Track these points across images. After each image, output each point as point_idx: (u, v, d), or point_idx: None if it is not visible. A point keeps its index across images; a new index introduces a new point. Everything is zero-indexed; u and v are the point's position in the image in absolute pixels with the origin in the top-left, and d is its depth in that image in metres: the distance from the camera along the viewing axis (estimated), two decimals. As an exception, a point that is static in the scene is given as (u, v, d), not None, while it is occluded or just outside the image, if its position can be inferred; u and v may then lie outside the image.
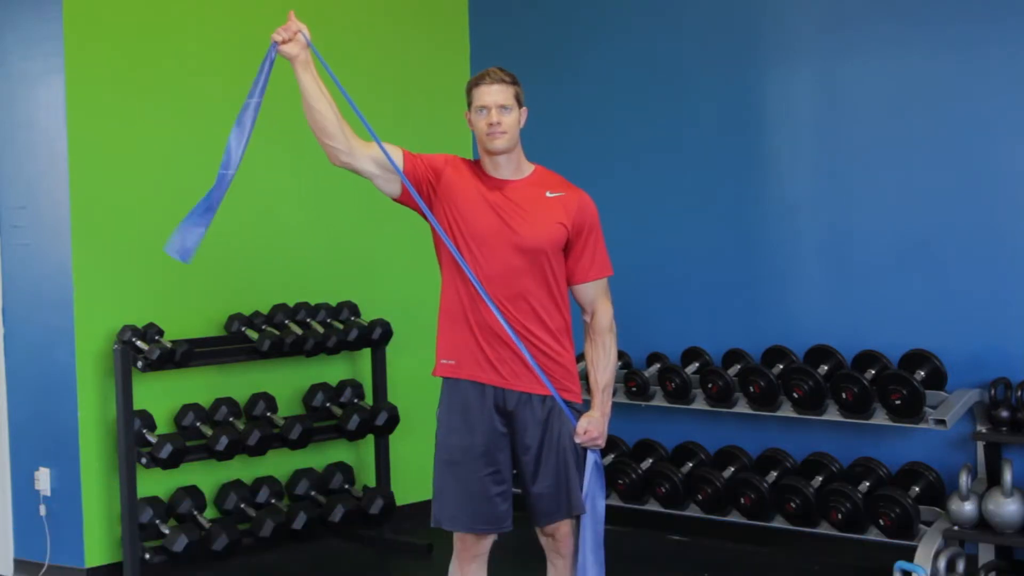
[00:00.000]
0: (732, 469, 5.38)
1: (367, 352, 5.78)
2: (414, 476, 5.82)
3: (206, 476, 5.28)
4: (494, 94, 3.35)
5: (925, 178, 5.01)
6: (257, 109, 3.39)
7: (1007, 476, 4.45)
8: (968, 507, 4.54)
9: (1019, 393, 4.61)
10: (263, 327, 5.34)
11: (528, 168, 3.47)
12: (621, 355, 5.74)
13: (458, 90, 6.25)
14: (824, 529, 5.05)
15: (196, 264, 5.31)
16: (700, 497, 5.37)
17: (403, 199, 3.43)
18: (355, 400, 5.64)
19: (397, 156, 3.40)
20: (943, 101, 4.97)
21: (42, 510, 5.12)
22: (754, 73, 5.51)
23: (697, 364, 5.53)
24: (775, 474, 5.23)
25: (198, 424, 5.17)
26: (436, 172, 3.41)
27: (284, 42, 3.34)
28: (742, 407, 5.26)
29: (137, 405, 5.00)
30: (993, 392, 4.63)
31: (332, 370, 5.74)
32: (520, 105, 3.41)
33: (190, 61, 5.37)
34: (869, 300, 5.17)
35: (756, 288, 5.51)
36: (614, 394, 5.48)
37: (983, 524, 4.55)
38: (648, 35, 5.85)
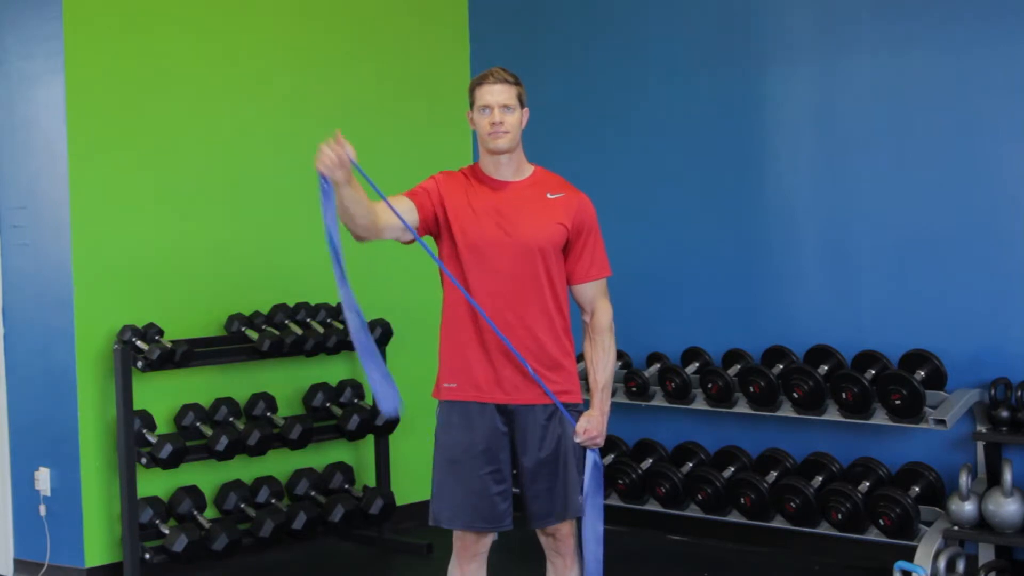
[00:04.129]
0: (732, 469, 5.38)
1: (367, 352, 5.77)
2: (414, 476, 5.82)
3: (206, 476, 5.28)
4: (497, 94, 3.36)
5: (925, 178, 5.01)
6: (339, 241, 3.22)
7: (1007, 476, 4.46)
8: (968, 507, 4.55)
9: (1019, 393, 4.61)
10: (263, 327, 5.34)
11: (528, 169, 3.47)
12: (621, 355, 5.75)
13: (458, 90, 6.25)
14: (824, 529, 5.05)
15: (196, 264, 5.35)
16: (700, 497, 5.37)
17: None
18: (355, 400, 5.64)
19: (412, 215, 3.35)
20: (943, 101, 4.97)
21: (42, 510, 5.12)
22: (754, 73, 5.51)
23: (697, 364, 5.53)
24: (775, 474, 5.23)
25: (198, 424, 5.17)
26: (438, 200, 3.40)
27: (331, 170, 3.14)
28: (742, 407, 5.26)
29: (137, 405, 5.00)
30: (993, 392, 4.64)
31: (332, 370, 5.74)
32: (522, 106, 3.41)
33: (190, 61, 5.37)
34: (869, 300, 5.17)
35: (756, 288, 5.51)
36: (614, 394, 5.55)
37: (983, 524, 4.55)
38: (648, 35, 5.85)
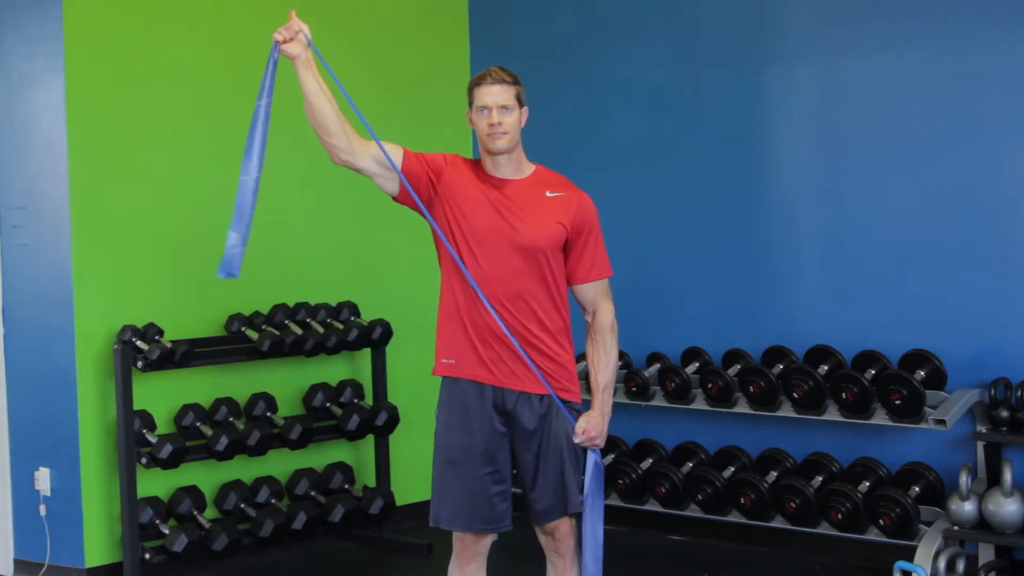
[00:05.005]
0: (732, 469, 5.38)
1: (367, 352, 5.78)
2: (414, 476, 5.82)
3: (206, 476, 5.28)
4: (495, 94, 3.36)
5: (925, 178, 5.01)
6: (268, 110, 3.36)
7: (1007, 476, 4.46)
8: (968, 507, 4.55)
9: (1019, 393, 4.61)
10: (263, 327, 5.34)
11: (529, 168, 3.47)
12: (621, 355, 5.74)
13: (458, 90, 6.22)
14: (824, 529, 5.05)
15: (196, 264, 5.34)
16: (700, 497, 5.37)
17: (402, 198, 3.43)
18: (355, 400, 5.64)
19: (397, 155, 3.40)
20: (943, 101, 4.97)
21: (42, 510, 5.12)
22: (754, 72, 5.51)
23: (697, 364, 5.53)
24: (775, 474, 5.23)
25: (198, 424, 5.17)
26: (436, 171, 3.41)
27: (285, 42, 3.32)
28: (742, 407, 5.26)
29: (137, 405, 5.00)
30: (993, 392, 4.64)
31: (332, 370, 5.74)
32: (521, 105, 3.41)
33: (190, 61, 5.37)
34: (869, 300, 5.17)
35: (756, 288, 5.51)
36: (614, 394, 5.55)
37: (983, 524, 4.55)
38: (648, 35, 5.85)
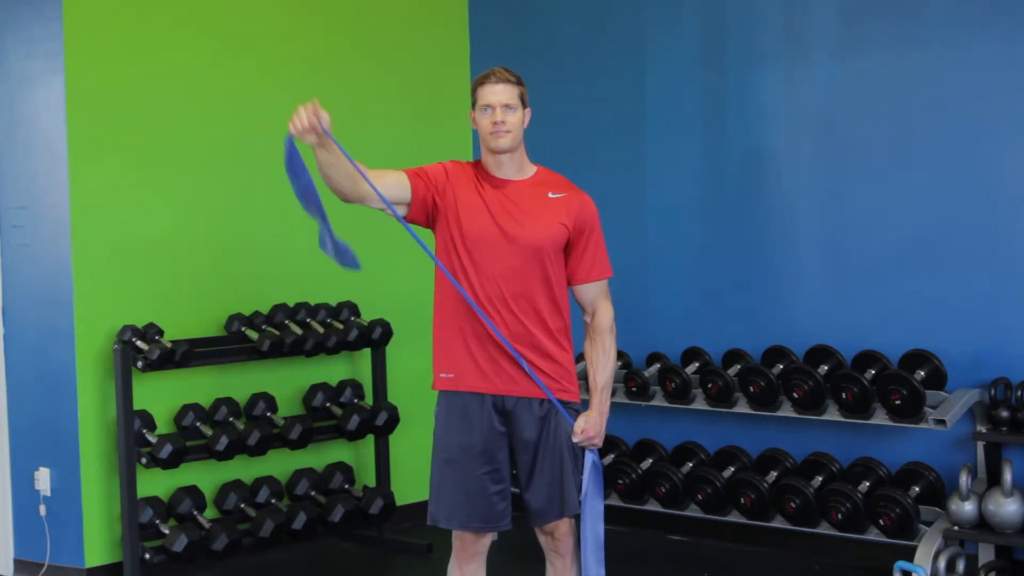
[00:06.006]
0: (732, 469, 5.38)
1: (367, 352, 5.78)
2: (414, 476, 5.82)
3: (206, 476, 5.28)
4: (499, 93, 3.37)
5: (925, 178, 5.01)
6: (307, 189, 3.37)
7: (1007, 476, 4.46)
8: (968, 507, 4.55)
9: (1019, 393, 4.61)
10: (263, 327, 5.34)
11: (531, 169, 3.48)
12: (621, 355, 5.74)
13: (458, 90, 6.25)
14: (824, 529, 5.05)
15: (196, 264, 5.35)
16: (700, 497, 5.37)
17: (409, 220, 3.44)
18: (355, 400, 5.64)
19: (400, 190, 3.38)
20: (943, 101, 4.97)
21: (42, 510, 5.12)
22: (754, 73, 5.51)
23: (697, 364, 5.53)
24: (775, 474, 5.23)
25: (198, 424, 5.17)
26: (440, 188, 3.41)
27: (300, 133, 3.23)
28: (742, 407, 5.26)
29: (137, 405, 5.00)
30: (993, 392, 4.64)
31: (332, 370, 5.74)
32: (524, 105, 3.42)
33: (190, 61, 5.37)
34: (869, 300, 5.17)
35: (756, 288, 5.51)
36: (614, 394, 5.55)
37: (983, 524, 4.55)
38: (647, 34, 5.85)
